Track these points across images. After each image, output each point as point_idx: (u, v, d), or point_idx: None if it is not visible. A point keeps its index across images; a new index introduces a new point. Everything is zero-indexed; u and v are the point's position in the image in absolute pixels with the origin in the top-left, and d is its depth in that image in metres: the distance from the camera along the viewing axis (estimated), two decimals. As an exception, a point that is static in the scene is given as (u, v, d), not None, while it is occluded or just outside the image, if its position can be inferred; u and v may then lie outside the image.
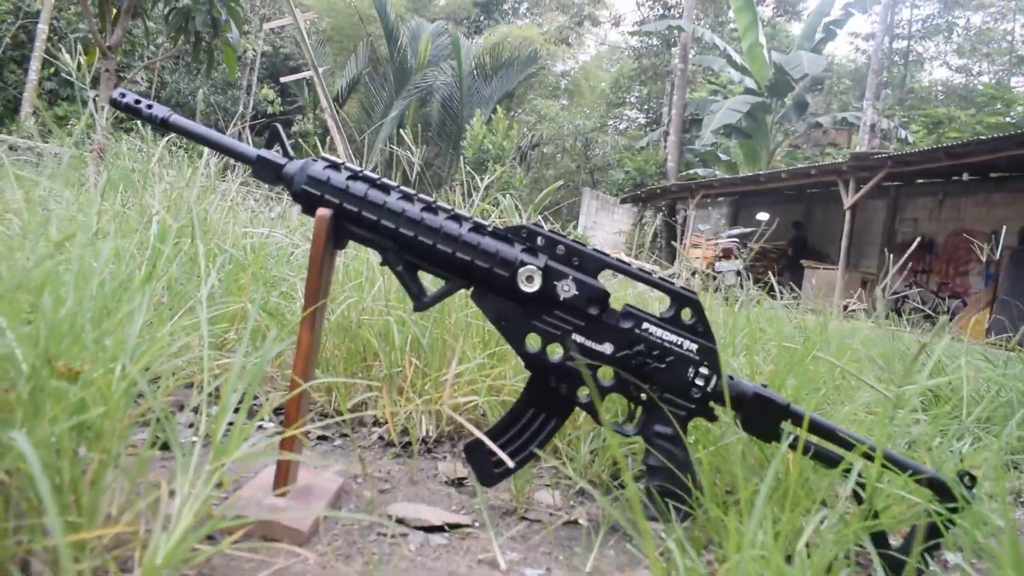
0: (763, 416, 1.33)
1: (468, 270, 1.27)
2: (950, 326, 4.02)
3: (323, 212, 1.21)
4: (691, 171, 23.25)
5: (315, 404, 1.76)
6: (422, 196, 1.27)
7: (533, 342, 1.32)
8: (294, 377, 1.12)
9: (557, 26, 33.63)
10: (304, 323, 1.15)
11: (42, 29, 14.79)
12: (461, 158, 16.73)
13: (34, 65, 15.26)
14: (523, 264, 1.27)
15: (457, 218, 1.27)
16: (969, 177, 14.45)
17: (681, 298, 1.33)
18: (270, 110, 23.33)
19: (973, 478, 1.25)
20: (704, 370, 1.32)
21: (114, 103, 1.28)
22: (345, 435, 1.69)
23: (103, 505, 0.81)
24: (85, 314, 0.90)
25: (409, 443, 1.67)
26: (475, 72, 24.36)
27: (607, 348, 1.31)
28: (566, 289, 1.29)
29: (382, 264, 1.28)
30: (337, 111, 12.89)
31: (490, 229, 1.28)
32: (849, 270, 13.90)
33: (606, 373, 1.34)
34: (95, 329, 0.92)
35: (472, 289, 1.30)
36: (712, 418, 1.35)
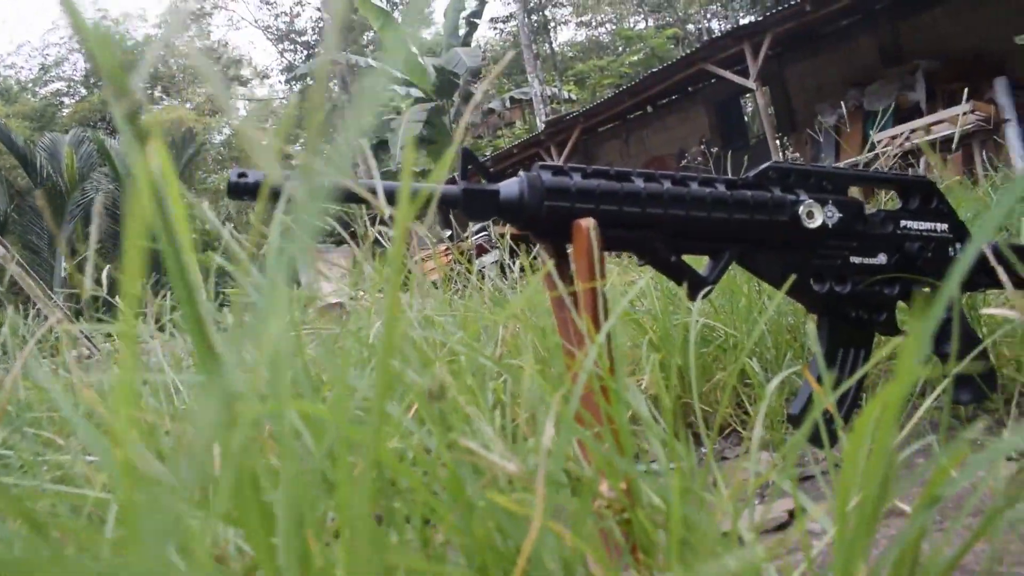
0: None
1: (745, 230, 1.13)
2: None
3: (587, 222, 0.96)
4: (394, 192, 23.25)
5: None
6: (659, 172, 1.08)
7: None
8: None
9: (205, 98, 32.47)
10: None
11: None
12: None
13: None
14: (799, 202, 1.16)
15: (708, 182, 1.11)
16: (651, 110, 15.72)
17: (915, 184, 1.32)
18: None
19: None
20: (959, 244, 1.31)
21: None
22: None
23: None
24: None
25: None
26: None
27: (882, 259, 1.26)
28: (830, 215, 1.19)
29: (644, 264, 1.10)
30: None
31: (740, 181, 1.15)
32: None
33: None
34: None
35: (742, 255, 1.16)
36: (976, 287, 1.35)
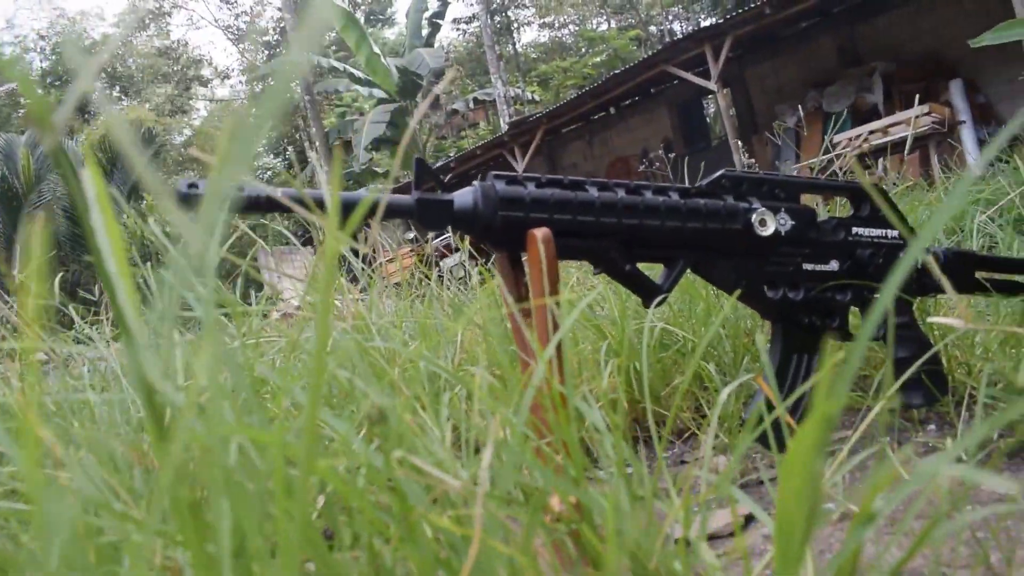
0: (961, 271, 1.39)
1: (699, 238, 1.14)
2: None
3: (541, 232, 0.95)
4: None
5: None
6: (613, 181, 1.09)
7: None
8: None
9: (165, 98, 32.03)
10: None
11: None
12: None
13: None
14: (752, 210, 1.18)
15: (661, 191, 1.12)
16: (613, 111, 15.82)
17: (864, 192, 1.33)
18: None
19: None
20: None
21: None
22: None
23: None
24: None
25: None
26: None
27: (834, 265, 1.28)
28: (783, 222, 1.21)
29: (599, 272, 1.10)
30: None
31: (694, 190, 1.15)
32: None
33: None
34: None
35: (696, 263, 1.18)
36: (927, 292, 1.39)
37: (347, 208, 0.91)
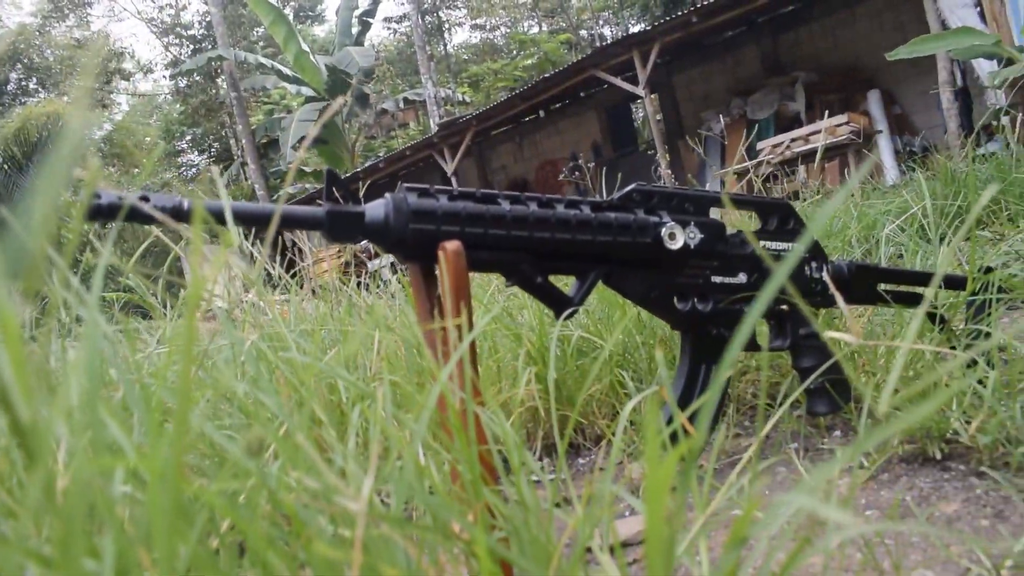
0: (865, 284, 1.47)
1: (612, 250, 1.16)
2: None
3: (452, 245, 0.95)
4: (278, 194, 22.82)
5: None
6: (526, 195, 1.10)
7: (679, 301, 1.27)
8: None
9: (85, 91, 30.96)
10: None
11: None
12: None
13: None
14: (661, 224, 1.20)
15: (573, 204, 1.13)
16: (544, 114, 15.93)
17: (773, 207, 1.38)
18: None
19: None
20: (814, 263, 1.41)
21: None
22: None
23: None
24: None
25: None
26: (6, 167, 21.47)
27: (742, 278, 1.32)
28: (692, 236, 1.24)
29: (511, 284, 1.12)
30: None
31: (605, 204, 1.17)
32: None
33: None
34: None
35: (608, 275, 1.19)
36: (833, 303, 1.43)
37: (256, 220, 0.90)
